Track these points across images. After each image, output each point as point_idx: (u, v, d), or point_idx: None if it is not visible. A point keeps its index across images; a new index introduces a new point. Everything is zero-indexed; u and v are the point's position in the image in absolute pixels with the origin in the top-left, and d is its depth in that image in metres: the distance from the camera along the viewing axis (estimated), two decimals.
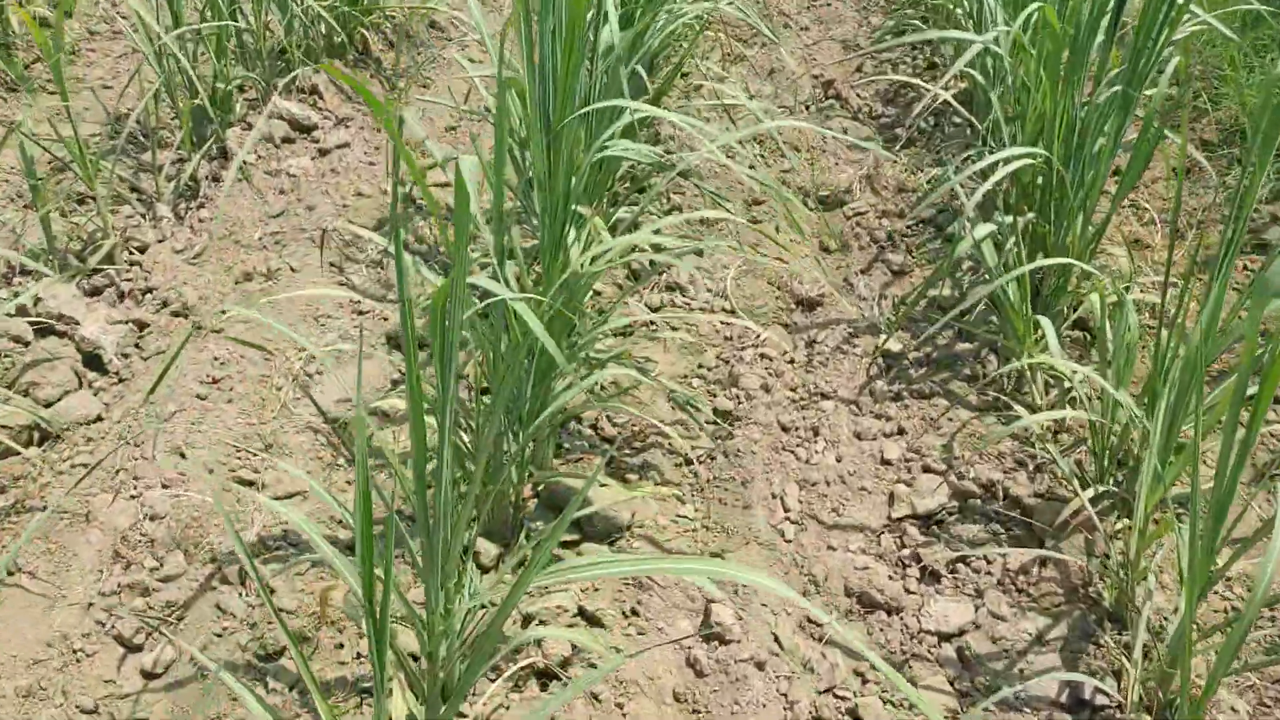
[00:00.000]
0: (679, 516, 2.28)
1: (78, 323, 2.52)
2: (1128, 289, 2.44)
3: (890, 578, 2.16)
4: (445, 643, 1.60)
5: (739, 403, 2.57)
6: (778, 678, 1.93)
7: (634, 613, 2.04)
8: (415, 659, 1.81)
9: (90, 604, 1.95)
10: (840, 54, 4.34)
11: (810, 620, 2.08)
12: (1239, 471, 1.58)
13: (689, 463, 2.41)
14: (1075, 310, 2.68)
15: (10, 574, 1.98)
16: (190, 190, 3.19)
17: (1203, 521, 1.69)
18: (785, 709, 1.87)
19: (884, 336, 2.75)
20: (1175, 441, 1.96)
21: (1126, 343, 2.13)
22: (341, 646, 1.92)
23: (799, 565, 2.19)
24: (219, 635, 1.92)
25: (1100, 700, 1.87)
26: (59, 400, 2.35)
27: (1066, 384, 2.50)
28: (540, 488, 2.20)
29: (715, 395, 2.59)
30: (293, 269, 2.88)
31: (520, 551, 2.02)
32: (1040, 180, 2.59)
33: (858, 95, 3.98)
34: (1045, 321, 2.28)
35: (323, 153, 3.47)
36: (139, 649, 1.89)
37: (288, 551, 2.08)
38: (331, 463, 2.31)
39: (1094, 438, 2.14)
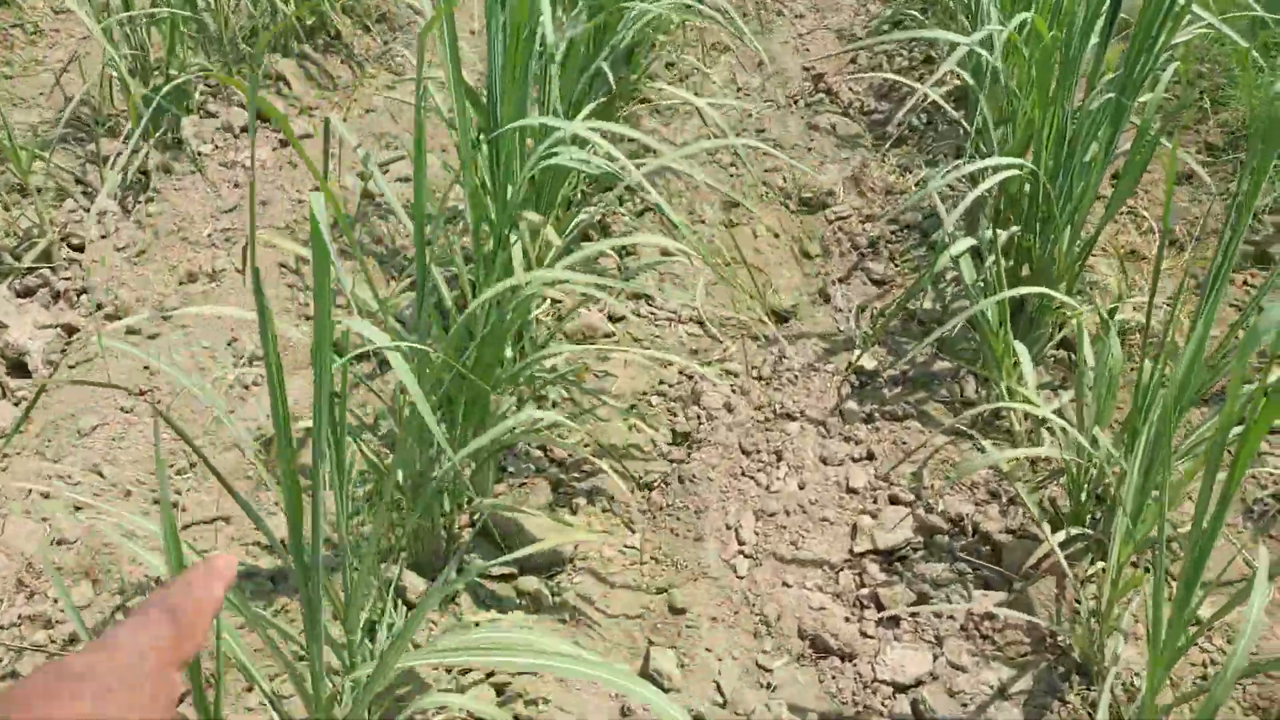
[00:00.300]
0: (627, 547, 2.15)
1: (5, 326, 2.40)
2: (1115, 310, 2.29)
3: (847, 619, 2.02)
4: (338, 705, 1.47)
5: (700, 423, 2.43)
6: None
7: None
8: None
9: None
10: (835, 45, 4.16)
11: (759, 665, 1.95)
12: (1217, 526, 1.43)
13: (642, 488, 2.28)
14: (1061, 329, 2.52)
15: None
16: (140, 183, 3.06)
17: (1180, 578, 1.55)
18: None
19: (858, 353, 2.60)
20: (1154, 483, 1.81)
21: (1108, 372, 1.98)
22: (251, 689, 1.80)
23: (750, 603, 2.06)
24: None
25: None
26: None
27: (1050, 407, 2.35)
28: (477, 516, 2.07)
29: (675, 415, 2.45)
30: (237, 269, 2.75)
31: (448, 588, 1.89)
32: (1028, 190, 2.43)
33: (850, 89, 3.81)
34: (1021, 350, 2.13)
35: (284, 143, 3.33)
36: None
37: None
38: (261, 482, 2.19)
39: (1069, 476, 1.99)
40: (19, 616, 1.85)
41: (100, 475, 2.12)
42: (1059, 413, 2.19)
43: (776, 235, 3.12)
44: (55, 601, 1.89)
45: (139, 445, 2.21)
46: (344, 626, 1.57)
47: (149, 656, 0.44)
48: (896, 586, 2.04)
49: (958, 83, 3.61)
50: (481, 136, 1.88)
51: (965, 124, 2.87)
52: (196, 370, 2.44)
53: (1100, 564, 1.98)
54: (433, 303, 2.26)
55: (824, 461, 2.37)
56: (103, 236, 2.81)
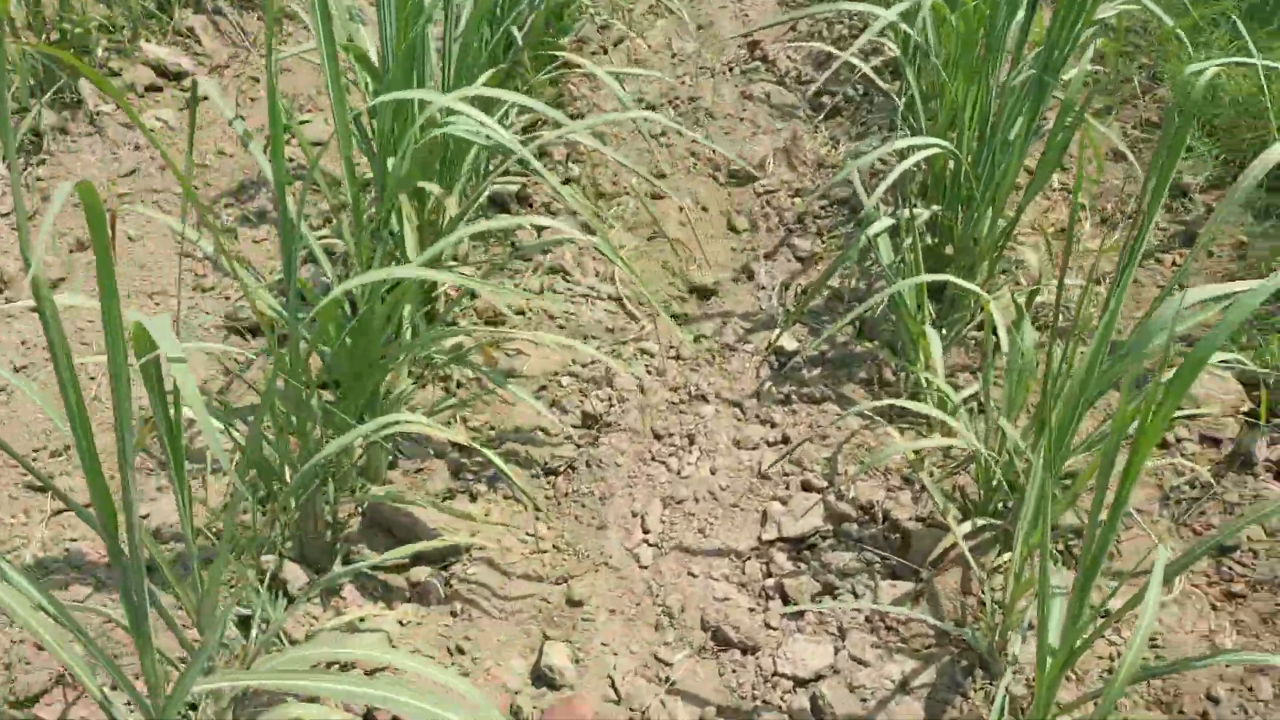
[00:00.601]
0: (529, 535, 2.07)
1: None
2: (1035, 293, 2.23)
3: (751, 610, 1.96)
4: None
5: (611, 405, 2.35)
6: None
7: (459, 650, 1.84)
8: None
9: None
10: (774, 11, 4.05)
11: (659, 659, 1.89)
12: (1114, 523, 1.38)
13: (548, 474, 2.20)
14: (984, 310, 2.46)
15: None
16: (33, 145, 2.89)
17: (1078, 575, 1.50)
18: None
19: (778, 332, 2.52)
20: (1057, 475, 1.76)
21: (1021, 361, 1.92)
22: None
23: (653, 594, 1.99)
24: None
25: None
26: None
27: (965, 392, 2.30)
28: (364, 506, 1.97)
29: (587, 396, 2.36)
30: (130, 237, 2.60)
31: (324, 583, 1.80)
32: (952, 168, 2.36)
33: (787, 57, 3.71)
34: (932, 335, 2.06)
35: (217, 88, 3.17)
36: None
37: (68, 576, 1.85)
38: (140, 467, 2.07)
39: (978, 465, 1.94)
40: None
41: None
42: (974, 399, 2.14)
43: (704, 208, 3.03)
44: None
45: (11, 426, 2.09)
46: (198, 629, 1.47)
47: None
48: (803, 577, 1.98)
49: (894, 54, 3.53)
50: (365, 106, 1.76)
51: (896, 97, 2.79)
52: (80, 345, 2.31)
53: (1007, 555, 1.94)
54: (331, 277, 2.15)
55: (738, 445, 2.30)
56: None
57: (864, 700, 1.80)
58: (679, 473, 2.23)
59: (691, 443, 2.29)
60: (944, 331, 2.44)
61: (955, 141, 2.27)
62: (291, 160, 2.98)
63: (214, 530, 1.93)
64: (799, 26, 3.92)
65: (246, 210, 2.80)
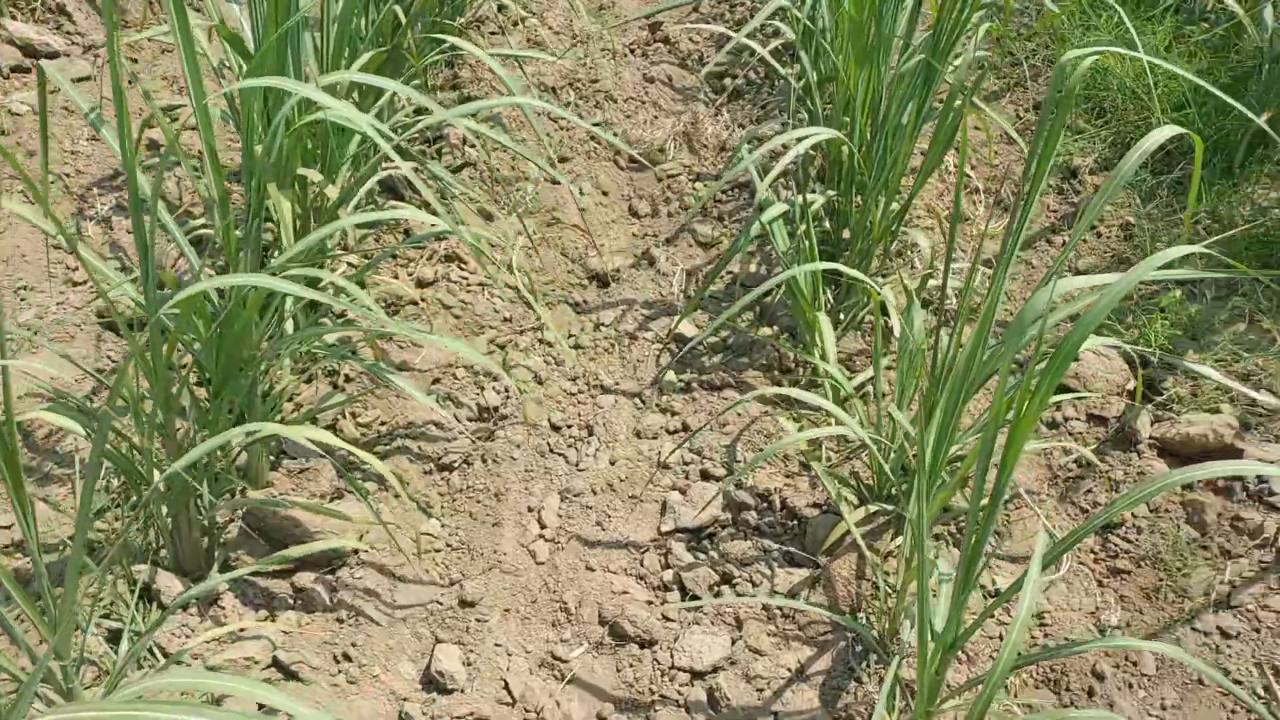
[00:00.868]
0: (424, 534, 2.01)
1: None
2: (927, 278, 2.24)
3: (649, 603, 1.94)
4: None
5: (508, 397, 2.29)
6: None
7: (346, 658, 1.78)
8: None
9: None
10: None
11: (555, 657, 1.86)
12: (993, 513, 1.39)
13: (441, 469, 2.14)
14: (881, 290, 2.47)
15: None
16: None
17: (959, 562, 1.51)
18: None
19: (678, 319, 2.50)
20: (944, 460, 1.77)
21: (911, 347, 1.93)
22: None
23: (550, 590, 1.95)
24: None
25: None
26: None
27: (862, 377, 2.31)
28: (241, 511, 1.89)
29: (483, 388, 2.30)
30: None
31: (206, 590, 1.71)
32: (845, 151, 2.35)
33: (689, 39, 3.67)
34: (825, 323, 2.06)
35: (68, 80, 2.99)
36: None
37: None
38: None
39: (870, 452, 1.95)
40: None
41: None
42: (870, 383, 2.15)
43: (605, 193, 2.98)
44: None
45: None
46: (54, 649, 1.39)
47: None
48: (701, 568, 1.97)
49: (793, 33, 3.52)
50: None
51: (793, 82, 2.78)
52: None
53: (900, 539, 1.95)
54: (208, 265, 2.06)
55: (638, 435, 2.27)
56: None
57: (760, 690, 1.80)
58: (577, 465, 2.19)
59: (590, 433, 2.26)
60: (841, 316, 2.44)
61: (849, 127, 2.27)
62: (158, 148, 2.83)
63: (87, 540, 1.83)
64: (701, 7, 3.89)
65: (122, 198, 2.66)
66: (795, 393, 1.82)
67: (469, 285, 2.56)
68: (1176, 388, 2.29)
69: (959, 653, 1.81)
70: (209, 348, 1.69)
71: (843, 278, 2.44)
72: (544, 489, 2.13)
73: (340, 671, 1.75)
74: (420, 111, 2.72)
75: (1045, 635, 1.92)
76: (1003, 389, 1.22)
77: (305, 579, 1.85)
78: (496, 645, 1.83)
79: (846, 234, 2.48)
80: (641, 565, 2.01)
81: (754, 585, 1.94)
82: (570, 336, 2.50)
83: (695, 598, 1.93)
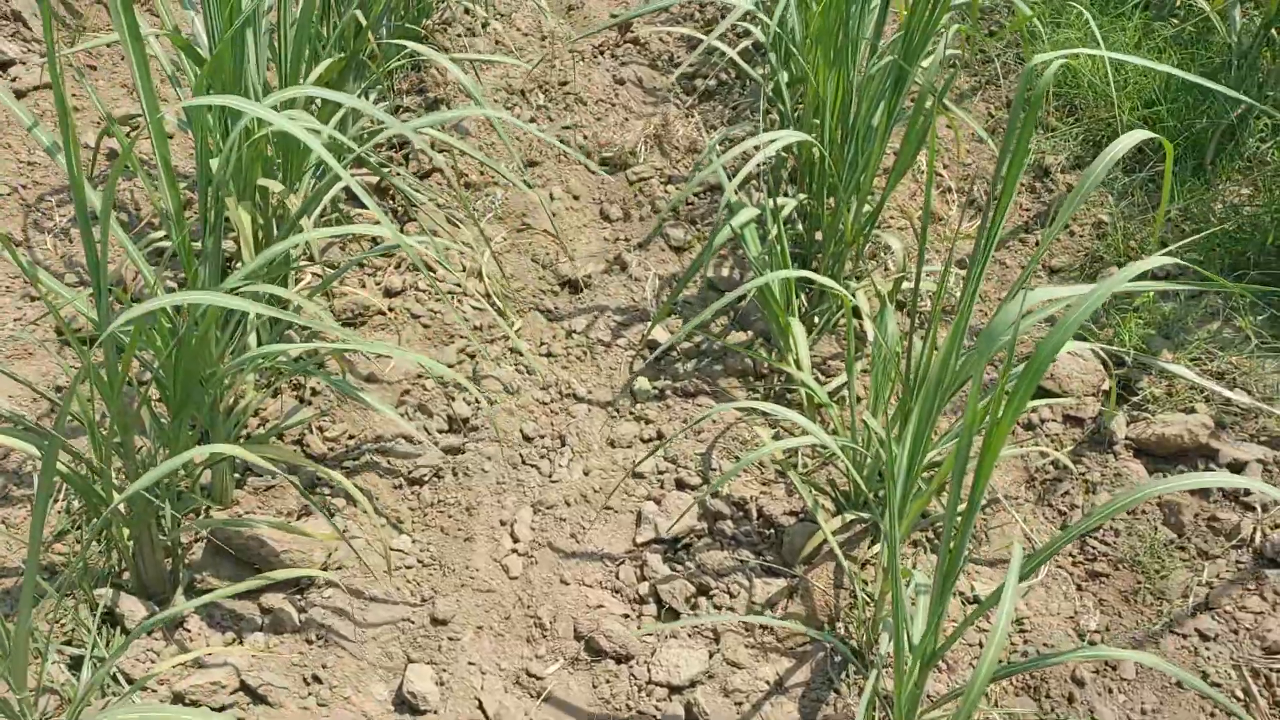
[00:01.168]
0: (394, 550, 1.97)
1: None
2: (900, 281, 2.22)
3: (625, 617, 1.92)
4: None
5: (479, 408, 2.26)
6: None
7: (316, 679, 1.74)
8: None
9: None
10: None
11: (530, 674, 1.82)
12: (966, 534, 1.37)
13: (411, 483, 2.10)
14: (854, 296, 2.45)
15: None
16: None
17: (935, 573, 1.49)
18: None
19: (650, 325, 2.47)
20: (919, 469, 1.75)
21: (884, 353, 1.91)
22: None
23: (524, 606, 1.92)
24: None
25: None
26: None
27: (836, 381, 2.29)
28: (205, 531, 1.84)
29: (454, 399, 2.27)
30: None
31: (170, 616, 1.67)
32: (815, 154, 2.33)
33: (659, 39, 3.64)
34: (798, 329, 2.04)
35: (19, 95, 2.92)
36: None
37: None
38: None
39: (846, 460, 1.92)
40: None
41: None
42: (844, 388, 2.13)
43: (576, 197, 2.94)
44: None
45: None
46: (9, 682, 1.34)
47: None
48: (677, 580, 1.94)
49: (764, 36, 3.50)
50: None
51: (763, 83, 2.75)
52: None
53: (878, 547, 1.93)
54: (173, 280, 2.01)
55: (611, 444, 2.24)
56: None
57: (739, 704, 1.77)
58: (550, 476, 2.16)
59: (563, 443, 2.23)
60: (815, 320, 2.42)
61: (819, 129, 2.25)
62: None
63: (44, 564, 1.78)
64: (671, 8, 3.86)
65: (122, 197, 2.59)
66: (768, 407, 1.80)
67: (438, 294, 2.52)
68: (1151, 388, 2.28)
69: (938, 661, 1.79)
70: (168, 365, 1.64)
71: (814, 282, 2.42)
72: (516, 502, 2.09)
73: (310, 694, 1.71)
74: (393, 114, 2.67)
75: (1025, 641, 1.91)
76: (975, 398, 1.20)
77: (273, 599, 1.81)
78: (470, 664, 1.79)
79: (819, 236, 2.46)
80: (617, 578, 1.98)
81: (731, 596, 1.92)
82: (542, 344, 2.47)
83: (672, 610, 1.91)
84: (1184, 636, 1.86)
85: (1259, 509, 2.02)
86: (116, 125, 1.70)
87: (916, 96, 2.16)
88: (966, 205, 2.95)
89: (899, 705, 1.46)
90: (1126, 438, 2.20)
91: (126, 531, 1.70)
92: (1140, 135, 1.52)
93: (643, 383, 2.36)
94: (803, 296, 2.43)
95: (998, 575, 2.01)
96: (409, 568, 1.95)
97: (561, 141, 3.08)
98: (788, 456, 2.11)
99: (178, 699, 1.64)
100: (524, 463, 2.18)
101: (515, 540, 2.02)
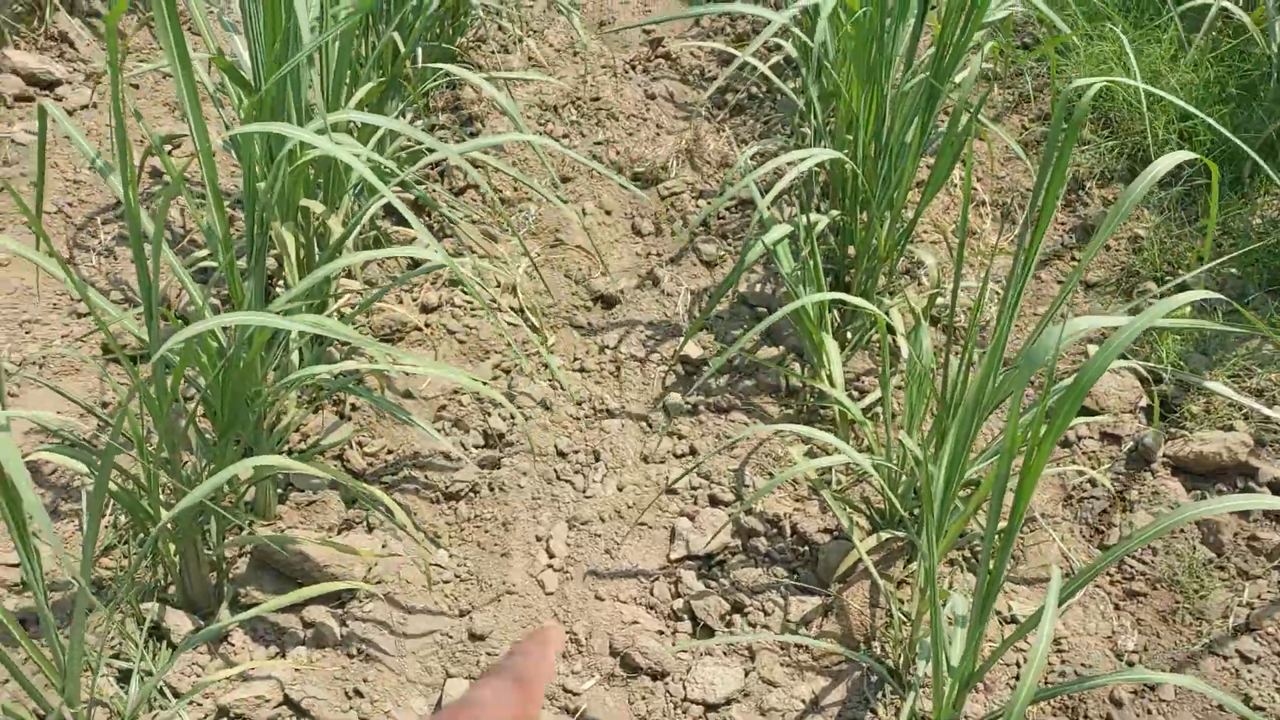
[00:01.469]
0: (432, 564, 2.00)
1: None
2: (935, 297, 2.22)
3: (660, 633, 1.93)
4: None
5: (514, 423, 2.28)
6: None
7: (357, 693, 1.76)
8: None
9: None
10: (678, 7, 3.99)
11: (566, 690, 1.84)
12: (1005, 559, 1.37)
13: (448, 499, 2.12)
14: (888, 314, 2.46)
15: None
16: None
17: (973, 600, 1.49)
18: None
19: (683, 341, 2.48)
20: (956, 489, 1.75)
21: (919, 370, 1.91)
22: None
23: (560, 620, 1.94)
24: None
25: None
26: None
27: (871, 397, 2.29)
28: (249, 546, 1.88)
29: (489, 414, 2.29)
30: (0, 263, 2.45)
31: (215, 631, 1.70)
32: (849, 170, 2.33)
33: (690, 54, 3.66)
34: (832, 346, 2.04)
35: (65, 114, 2.99)
36: None
37: None
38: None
39: (880, 478, 1.93)
40: None
41: None
42: (879, 404, 2.13)
43: (608, 213, 2.97)
44: None
45: None
46: (63, 697, 1.37)
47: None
48: (711, 598, 1.95)
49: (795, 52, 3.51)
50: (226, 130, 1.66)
51: (795, 98, 2.76)
52: None
53: (914, 565, 1.93)
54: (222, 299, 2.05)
55: (645, 460, 2.25)
56: None
57: None
58: (584, 491, 2.17)
59: (597, 459, 2.24)
60: (849, 335, 2.43)
61: (852, 145, 2.25)
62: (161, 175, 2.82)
63: (95, 578, 1.82)
64: (702, 22, 3.88)
65: (125, 229, 2.65)
66: (802, 429, 1.81)
67: (473, 309, 2.55)
68: (1189, 405, 2.26)
69: (975, 683, 1.79)
70: (215, 384, 1.68)
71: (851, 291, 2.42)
72: (551, 517, 2.11)
73: (351, 708, 1.74)
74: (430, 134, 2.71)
75: (1062, 660, 1.90)
76: (1015, 421, 1.21)
77: (316, 613, 1.84)
78: None
79: (852, 251, 2.47)
80: (651, 594, 1.99)
81: (766, 614, 1.93)
82: (575, 360, 2.49)
83: (707, 627, 1.92)
84: (1225, 658, 1.84)
85: None
86: (165, 154, 1.74)
87: (951, 111, 2.16)
88: (1001, 219, 2.95)
89: (938, 699, 1.46)
90: (1164, 455, 2.18)
91: (173, 547, 1.74)
92: (1180, 156, 1.52)
93: (675, 398, 2.37)
94: (835, 312, 2.43)
95: (1035, 594, 2.01)
96: (446, 582, 1.97)
97: (594, 157, 3.11)
98: (821, 474, 2.11)
99: (223, 712, 1.67)
100: (558, 478, 2.20)
101: (550, 555, 2.04)
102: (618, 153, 3.14)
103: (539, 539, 2.06)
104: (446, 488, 2.13)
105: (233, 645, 1.79)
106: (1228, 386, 2.20)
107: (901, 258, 2.51)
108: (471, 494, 2.13)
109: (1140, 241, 2.72)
